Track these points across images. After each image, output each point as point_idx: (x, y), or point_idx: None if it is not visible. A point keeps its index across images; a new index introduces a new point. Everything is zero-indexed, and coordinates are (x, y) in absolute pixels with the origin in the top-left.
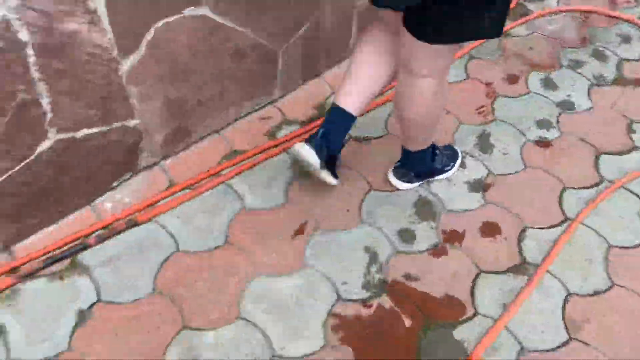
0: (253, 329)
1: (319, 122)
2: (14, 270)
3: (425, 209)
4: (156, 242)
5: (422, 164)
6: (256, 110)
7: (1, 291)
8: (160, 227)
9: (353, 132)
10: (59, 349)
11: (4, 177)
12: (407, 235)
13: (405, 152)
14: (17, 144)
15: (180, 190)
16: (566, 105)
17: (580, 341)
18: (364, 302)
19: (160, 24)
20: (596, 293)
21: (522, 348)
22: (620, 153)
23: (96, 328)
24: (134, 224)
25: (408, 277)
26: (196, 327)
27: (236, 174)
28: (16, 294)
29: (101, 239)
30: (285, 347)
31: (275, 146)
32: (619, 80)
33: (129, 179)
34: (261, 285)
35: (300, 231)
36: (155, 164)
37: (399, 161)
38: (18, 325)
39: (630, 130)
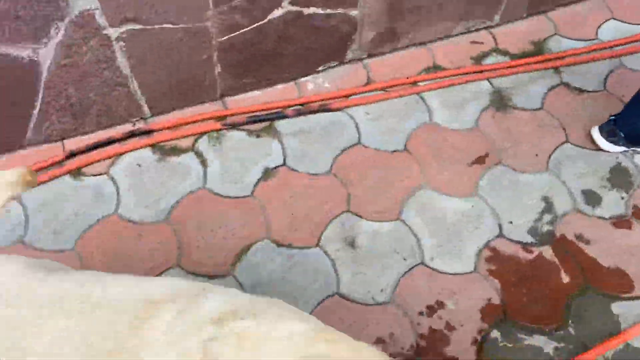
0: (408, 233)
1: (530, 59)
2: (222, 118)
3: (620, 177)
4: (342, 130)
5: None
6: (469, 32)
7: (211, 132)
8: (350, 117)
9: (567, 78)
10: (244, 192)
11: (238, 32)
12: (592, 198)
13: (629, 107)
14: (256, 6)
15: (375, 90)
16: None
17: None
18: (525, 246)
19: None
20: None
21: None
22: None
23: (276, 186)
24: (327, 108)
25: (580, 237)
26: (358, 214)
27: (432, 89)
28: (221, 139)
29: (297, 113)
30: (434, 259)
31: (479, 72)
32: None
33: (334, 67)
34: (428, 197)
35: (480, 160)
36: (360, 59)
37: (611, 116)
38: (217, 163)
39: None
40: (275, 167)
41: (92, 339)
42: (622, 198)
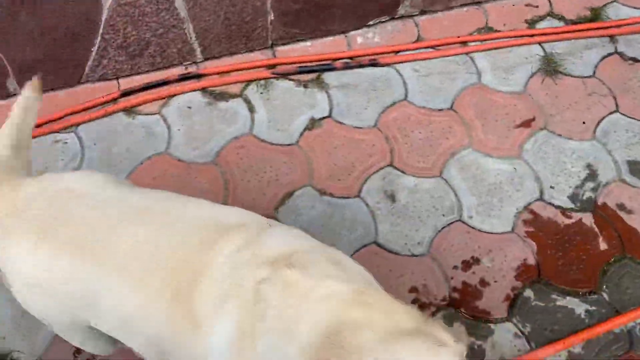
0: (449, 190)
1: (586, 25)
2: (272, 66)
3: None
4: (389, 86)
5: None
6: None
7: (259, 80)
8: (397, 73)
9: (623, 47)
10: (289, 140)
11: None
12: (637, 168)
13: None
14: None
15: (425, 47)
16: None
17: None
18: (565, 211)
19: None
20: None
21: None
22: None
23: (321, 137)
24: (375, 62)
25: (621, 207)
26: (400, 168)
27: (482, 50)
28: (269, 87)
29: (345, 66)
30: (473, 217)
31: (531, 36)
32: None
33: (385, 22)
34: (471, 157)
35: (526, 124)
36: (411, 15)
37: None
38: (264, 110)
39: None
40: (321, 118)
41: (165, 251)
42: None
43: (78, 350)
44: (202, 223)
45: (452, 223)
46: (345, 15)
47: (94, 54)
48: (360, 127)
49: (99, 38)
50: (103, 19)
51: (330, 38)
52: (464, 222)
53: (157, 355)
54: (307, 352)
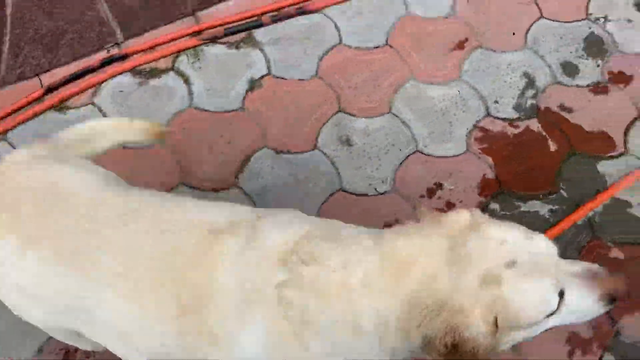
0: (400, 125)
1: None
2: (197, 33)
3: (594, 46)
4: (322, 32)
5: None
6: None
7: (188, 49)
8: (328, 18)
9: None
10: (233, 106)
11: None
12: (570, 68)
13: None
14: None
15: None
16: None
17: None
18: (512, 122)
19: None
20: None
21: None
22: None
23: (265, 96)
24: (303, 11)
25: (562, 107)
26: (350, 112)
27: None
28: (199, 55)
29: (274, 20)
30: (428, 146)
31: None
32: None
33: None
34: (415, 88)
35: (460, 45)
36: None
37: None
38: (200, 79)
39: None
40: (260, 77)
41: (160, 260)
42: (598, 65)
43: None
44: (193, 227)
45: (409, 156)
46: None
47: (5, 53)
48: (302, 79)
49: (9, 35)
50: (8, 13)
51: None
52: (421, 152)
53: None
54: (397, 338)
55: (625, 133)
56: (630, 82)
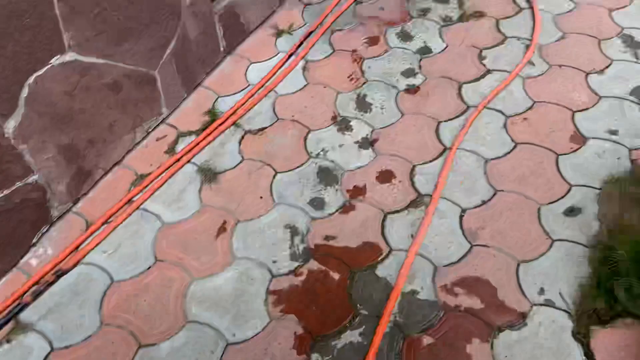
0: (202, 327)
1: (212, 126)
2: None
3: (327, 175)
4: (90, 281)
5: None
6: (150, 133)
7: None
8: (90, 266)
9: (247, 126)
10: None
11: None
12: (318, 203)
13: None
14: None
15: (98, 228)
16: (424, 51)
17: (480, 245)
18: (295, 272)
19: (31, 80)
20: (484, 203)
21: (435, 267)
22: (477, 79)
23: None
24: (61, 272)
25: (327, 238)
26: (150, 343)
27: (148, 197)
28: None
29: (36, 295)
30: (235, 334)
31: (177, 160)
32: (463, 17)
33: (46, 231)
34: (199, 288)
35: (222, 229)
36: (67, 210)
37: None
38: None
39: (480, 57)
40: (45, 359)
41: None
42: (337, 190)
43: None
44: None
45: (222, 355)
46: (2, 253)
47: None
48: (90, 335)
49: None
50: None
51: (4, 279)
52: (233, 344)
53: None
54: None
55: (383, 234)
56: (366, 192)
